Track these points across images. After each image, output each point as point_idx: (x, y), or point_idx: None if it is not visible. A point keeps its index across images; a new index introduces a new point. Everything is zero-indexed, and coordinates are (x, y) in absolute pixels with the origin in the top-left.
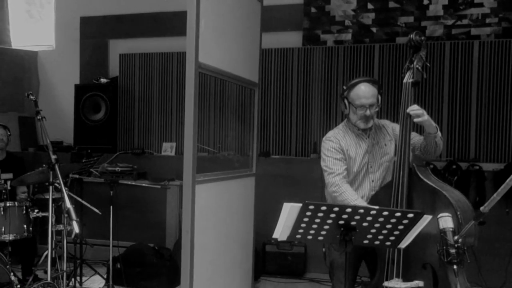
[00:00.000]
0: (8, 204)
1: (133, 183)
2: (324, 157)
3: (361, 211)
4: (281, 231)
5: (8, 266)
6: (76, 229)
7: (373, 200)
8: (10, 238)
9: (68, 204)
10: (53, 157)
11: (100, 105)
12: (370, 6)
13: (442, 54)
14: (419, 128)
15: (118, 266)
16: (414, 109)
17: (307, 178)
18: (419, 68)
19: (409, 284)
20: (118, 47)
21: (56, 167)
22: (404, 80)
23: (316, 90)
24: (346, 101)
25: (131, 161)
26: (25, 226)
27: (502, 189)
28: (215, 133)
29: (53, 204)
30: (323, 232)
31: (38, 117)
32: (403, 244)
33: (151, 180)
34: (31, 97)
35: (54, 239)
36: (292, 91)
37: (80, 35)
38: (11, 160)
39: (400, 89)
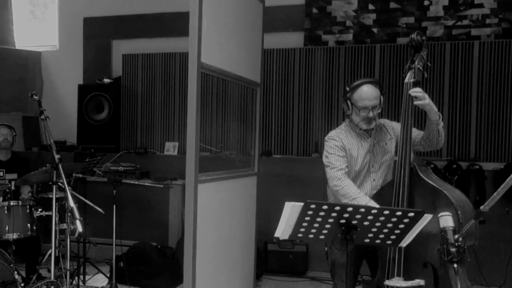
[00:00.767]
0: (12, 203)
1: (136, 183)
2: (326, 154)
3: (362, 210)
4: (282, 230)
5: (12, 265)
6: (79, 228)
7: (377, 195)
8: (14, 237)
9: (71, 203)
10: (57, 156)
11: (103, 105)
12: (371, 6)
13: (443, 54)
14: (420, 125)
15: (121, 264)
16: (416, 90)
17: (309, 177)
18: (420, 68)
19: (410, 282)
20: (121, 48)
21: (60, 166)
22: (405, 80)
23: (317, 90)
24: (349, 102)
25: (134, 161)
26: (29, 225)
27: (502, 188)
28: (217, 133)
29: (57, 203)
30: (325, 231)
31: (42, 117)
32: (404, 243)
33: (154, 179)
34: (35, 97)
35: (58, 238)
36: (293, 91)
37: (84, 35)
38: (16, 160)
39: (400, 89)
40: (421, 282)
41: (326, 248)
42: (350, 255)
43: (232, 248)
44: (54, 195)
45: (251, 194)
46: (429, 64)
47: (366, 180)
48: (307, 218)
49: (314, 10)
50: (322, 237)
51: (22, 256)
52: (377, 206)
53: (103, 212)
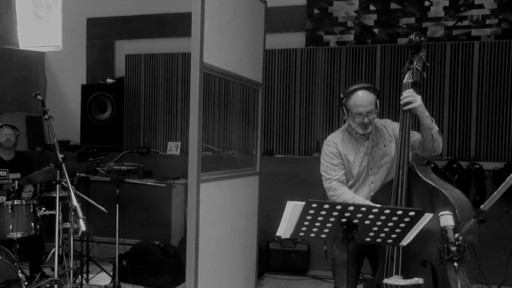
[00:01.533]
0: (16, 203)
1: (139, 182)
2: (322, 162)
3: (363, 209)
4: (284, 229)
5: (15, 263)
6: (82, 227)
7: (372, 200)
8: (18, 235)
9: (75, 202)
10: (60, 156)
11: (106, 105)
12: (372, 7)
13: (443, 55)
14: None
15: (124, 263)
16: (405, 96)
17: (310, 176)
18: (419, 68)
19: (408, 281)
20: (124, 48)
21: (63, 166)
22: (404, 81)
23: (319, 90)
24: (344, 108)
25: (137, 160)
26: (32, 224)
27: (502, 187)
28: (219, 133)
29: (60, 203)
30: (326, 230)
31: (45, 116)
32: (405, 241)
33: (157, 178)
34: (39, 97)
35: (61, 236)
36: (295, 91)
37: (87, 36)
38: (19, 160)
39: (401, 89)
40: (420, 280)
41: (325, 247)
42: (351, 254)
43: (234, 247)
44: (57, 194)
45: (253, 193)
46: (428, 64)
47: (365, 183)
48: (309, 217)
49: (316, 11)
50: (323, 236)
51: (26, 255)
52: (378, 205)
53: (106, 211)
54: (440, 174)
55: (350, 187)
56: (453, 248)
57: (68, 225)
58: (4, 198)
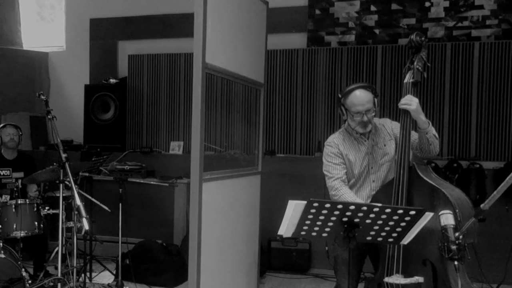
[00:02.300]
0: (19, 202)
1: (142, 181)
2: (324, 162)
3: (364, 208)
4: (286, 228)
5: (19, 262)
6: (86, 226)
7: (373, 199)
8: (22, 234)
9: (78, 201)
10: (64, 155)
11: (109, 105)
12: (373, 8)
13: (443, 55)
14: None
15: (127, 262)
16: (402, 103)
17: (312, 176)
18: (419, 68)
19: (409, 279)
20: (127, 48)
21: (67, 165)
22: (405, 80)
23: (320, 90)
24: (343, 108)
25: (140, 160)
26: (36, 223)
27: (502, 186)
28: (221, 132)
29: (64, 202)
30: (327, 229)
31: (49, 116)
32: (406, 240)
33: (159, 178)
34: (42, 97)
35: (65, 235)
36: (297, 91)
37: (90, 36)
38: (22, 159)
39: (402, 89)
40: (420, 279)
41: (326, 247)
42: (352, 253)
43: (236, 246)
44: (61, 193)
45: (254, 193)
46: (428, 64)
47: (366, 182)
48: (310, 216)
49: (317, 12)
50: (324, 234)
51: (30, 254)
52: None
53: (109, 210)
54: (440, 173)
55: (352, 186)
56: (454, 247)
57: (71, 224)
58: (8, 197)
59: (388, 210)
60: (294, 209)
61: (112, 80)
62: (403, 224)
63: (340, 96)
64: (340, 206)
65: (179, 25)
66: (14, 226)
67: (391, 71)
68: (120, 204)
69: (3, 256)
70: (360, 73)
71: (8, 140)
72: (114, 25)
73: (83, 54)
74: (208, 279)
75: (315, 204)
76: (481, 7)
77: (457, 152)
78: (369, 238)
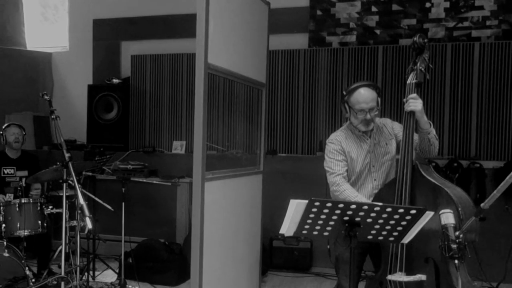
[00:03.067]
0: (23, 201)
1: (145, 181)
2: (326, 159)
3: (365, 207)
4: (287, 227)
5: (23, 261)
6: (89, 225)
7: (376, 197)
8: (25, 233)
9: (81, 200)
10: (67, 155)
11: (112, 105)
12: (374, 9)
13: (444, 55)
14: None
15: (130, 261)
16: (408, 99)
17: (313, 175)
18: (422, 69)
19: (411, 277)
20: (130, 49)
21: (70, 165)
22: (408, 81)
23: (321, 90)
24: (346, 105)
25: (143, 159)
26: (39, 222)
27: (502, 186)
28: (223, 132)
29: (67, 201)
30: (329, 228)
31: (52, 116)
32: (406, 239)
33: (162, 177)
34: (46, 97)
35: (68, 234)
36: (298, 91)
37: (93, 37)
38: (25, 158)
39: (403, 89)
40: (423, 277)
41: (328, 246)
42: (353, 251)
43: (238, 245)
44: (64, 193)
45: (256, 192)
46: (431, 66)
47: (367, 180)
48: (312, 215)
49: (318, 12)
50: (326, 233)
51: (33, 252)
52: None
53: (112, 210)
54: (441, 172)
55: (353, 184)
56: (454, 246)
57: (74, 223)
58: (12, 196)
59: (389, 209)
60: (295, 208)
61: (115, 80)
62: (404, 223)
63: (344, 93)
64: (341, 205)
65: (181, 25)
66: (18, 225)
67: (392, 71)
68: (123, 203)
69: (7, 254)
70: (361, 73)
71: (13, 139)
72: (117, 25)
73: (87, 55)
74: (210, 277)
75: (317, 203)
76: (481, 7)
77: (458, 152)
78: (370, 237)
